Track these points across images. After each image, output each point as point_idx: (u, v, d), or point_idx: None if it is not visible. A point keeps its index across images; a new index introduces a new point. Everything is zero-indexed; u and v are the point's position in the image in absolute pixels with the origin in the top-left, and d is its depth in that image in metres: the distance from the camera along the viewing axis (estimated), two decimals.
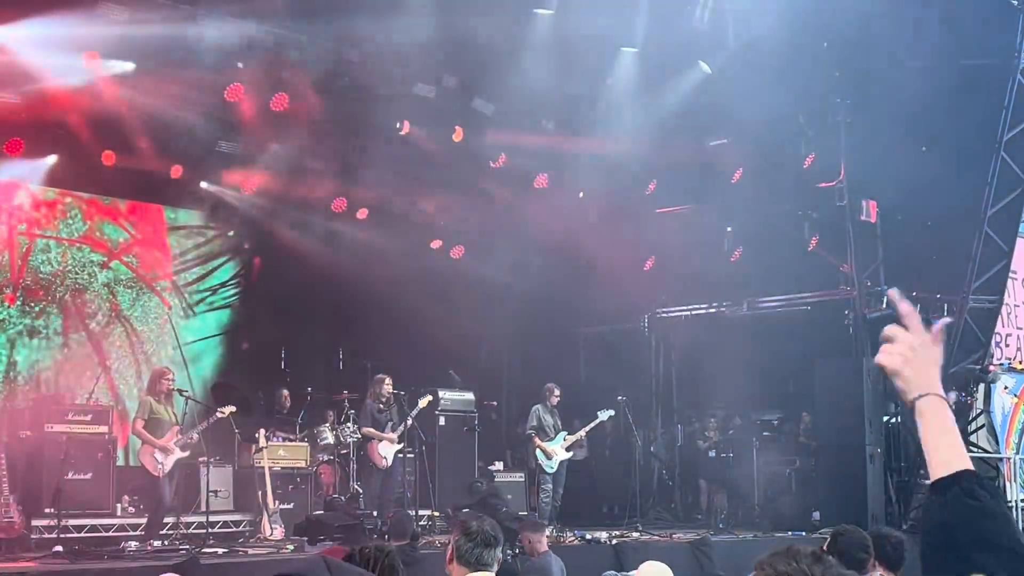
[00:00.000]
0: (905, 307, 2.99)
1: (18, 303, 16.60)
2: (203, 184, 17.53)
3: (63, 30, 13.51)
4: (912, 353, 2.96)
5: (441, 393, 17.33)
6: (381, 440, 15.45)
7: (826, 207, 19.18)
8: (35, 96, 14.66)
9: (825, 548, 6.87)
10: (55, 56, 13.86)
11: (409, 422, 15.50)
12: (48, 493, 13.29)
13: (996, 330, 19.06)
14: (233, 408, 14.52)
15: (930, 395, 2.88)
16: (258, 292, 19.00)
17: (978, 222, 17.82)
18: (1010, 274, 18.85)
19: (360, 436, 15.82)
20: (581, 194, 19.63)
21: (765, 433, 19.95)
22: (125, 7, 13.71)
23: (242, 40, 14.87)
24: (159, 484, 13.65)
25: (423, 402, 15.90)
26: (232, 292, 19.06)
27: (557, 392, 17.14)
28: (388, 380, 15.83)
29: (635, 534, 16.20)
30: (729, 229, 20.55)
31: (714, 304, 20.87)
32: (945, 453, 2.79)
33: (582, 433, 17.19)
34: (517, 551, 11.71)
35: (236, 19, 14.70)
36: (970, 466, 2.77)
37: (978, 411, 19.13)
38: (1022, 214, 18.52)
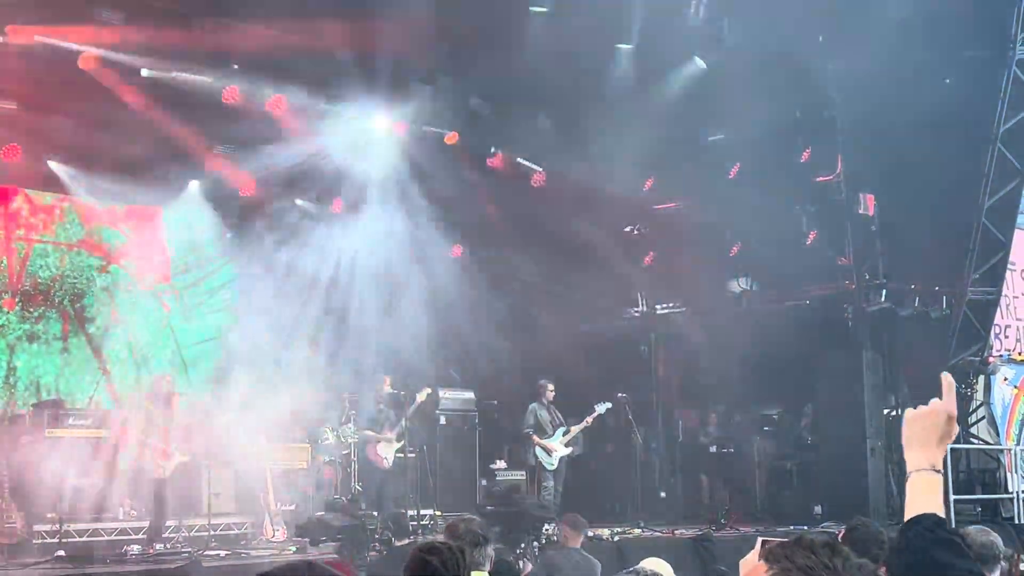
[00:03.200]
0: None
1: (17, 308, 16.61)
2: (199, 185, 17.52)
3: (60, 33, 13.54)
4: (909, 431, 3.37)
5: (442, 392, 17.33)
6: (380, 440, 15.46)
7: (824, 201, 19.18)
8: (33, 101, 14.69)
9: (840, 540, 6.85)
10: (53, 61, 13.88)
11: (405, 423, 15.51)
12: (49, 498, 13.29)
13: (995, 321, 19.08)
14: (235, 414, 14.53)
15: (916, 472, 3.25)
16: (257, 294, 18.96)
17: (976, 214, 17.83)
18: (1008, 265, 18.86)
19: (360, 437, 15.83)
20: (579, 191, 19.63)
21: (765, 428, 19.95)
22: (122, 11, 13.72)
23: (238, 42, 14.87)
24: (161, 486, 13.66)
25: (421, 396, 15.90)
26: (230, 294, 19.04)
27: (551, 388, 17.16)
28: (387, 379, 15.83)
29: (637, 530, 16.22)
30: (727, 225, 20.55)
31: (713, 299, 20.85)
32: (917, 509, 3.16)
33: (581, 428, 17.19)
34: (544, 541, 12.83)
35: (232, 21, 14.70)
36: (931, 500, 3.15)
37: (978, 403, 19.14)
38: (1019, 205, 18.54)
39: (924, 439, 3.32)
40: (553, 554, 11.72)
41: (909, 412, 3.34)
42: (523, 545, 13.49)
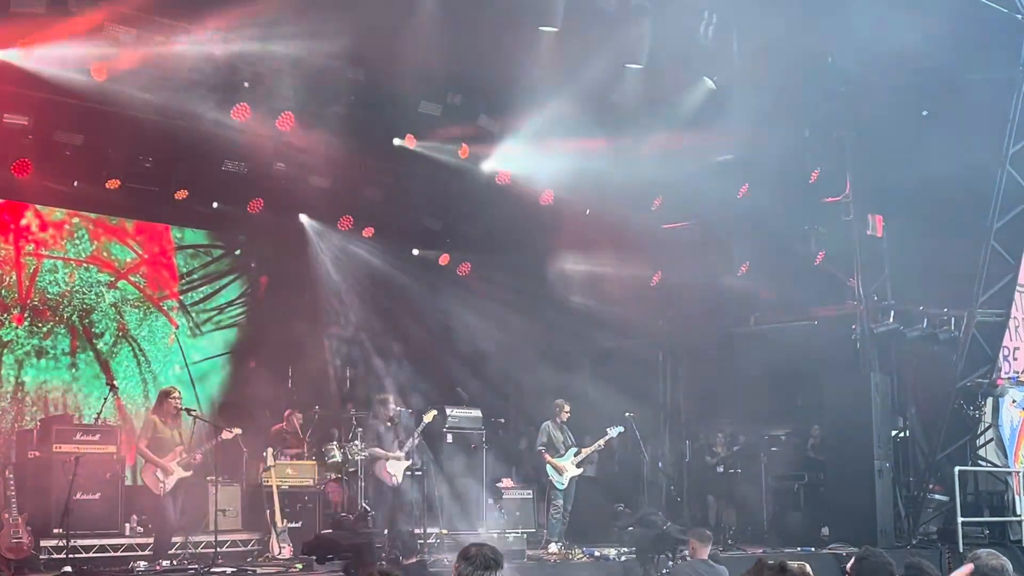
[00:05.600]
0: None
1: (26, 324, 16.65)
2: (209, 201, 17.57)
3: (70, 50, 13.57)
4: None
5: (448, 410, 17.30)
6: (388, 458, 15.43)
7: (832, 222, 19.18)
8: (43, 117, 14.73)
9: (849, 570, 6.82)
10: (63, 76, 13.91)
11: (416, 440, 15.48)
12: (57, 513, 13.28)
13: (1004, 344, 19.04)
14: (239, 430, 14.52)
15: None
16: (265, 311, 19.01)
17: (984, 236, 17.81)
18: (1017, 287, 18.83)
19: (368, 455, 15.81)
20: (588, 211, 19.65)
21: (773, 448, 19.90)
22: (131, 26, 13.76)
23: (248, 59, 14.91)
24: (161, 503, 13.65)
25: (428, 417, 15.87)
26: (239, 311, 19.07)
27: (567, 408, 17.10)
28: (391, 398, 15.84)
29: None
30: (735, 244, 20.54)
31: (720, 319, 20.83)
32: None
33: (592, 449, 17.16)
34: (679, 559, 13.32)
35: (242, 38, 14.74)
36: None
37: (986, 425, 19.10)
38: None
39: None
40: (679, 566, 12.55)
41: None
42: (657, 565, 13.90)
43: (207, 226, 18.62)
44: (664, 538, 14.32)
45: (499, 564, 5.64)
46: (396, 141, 17.33)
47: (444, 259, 20.20)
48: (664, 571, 13.74)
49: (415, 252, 20.16)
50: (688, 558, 12.74)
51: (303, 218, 18.65)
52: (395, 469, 15.40)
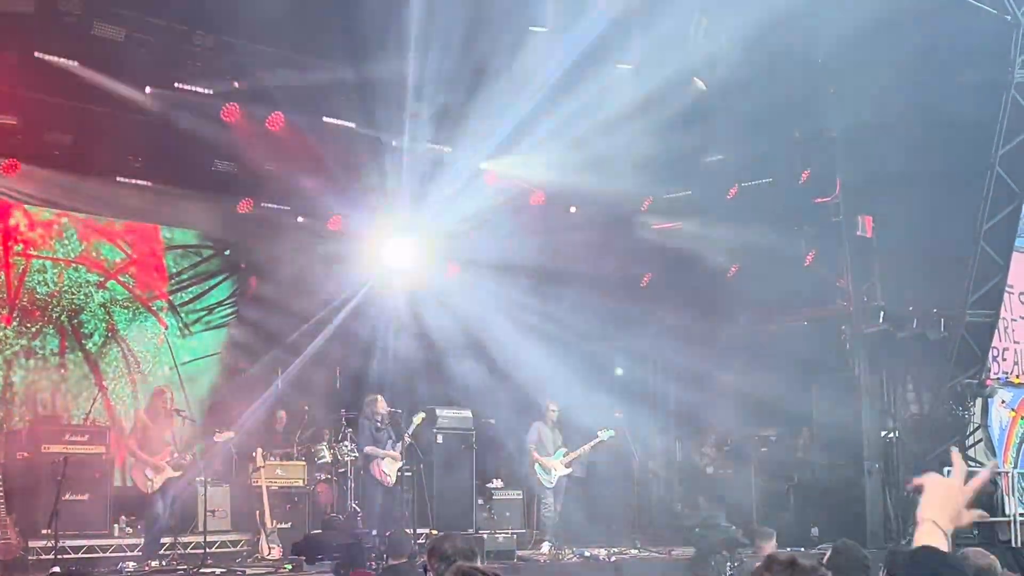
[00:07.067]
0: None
1: (15, 324, 16.59)
2: (198, 201, 17.54)
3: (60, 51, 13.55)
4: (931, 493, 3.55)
5: (439, 411, 17.29)
6: (384, 458, 15.41)
7: (822, 223, 19.19)
8: (32, 116, 14.69)
9: (824, 563, 6.83)
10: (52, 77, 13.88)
11: (407, 440, 15.46)
12: (45, 514, 13.23)
13: (993, 344, 19.06)
14: (231, 434, 14.50)
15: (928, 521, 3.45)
16: (255, 311, 18.96)
17: (974, 237, 17.83)
18: (1006, 288, 18.85)
19: (358, 455, 15.78)
20: (573, 209, 19.65)
21: (763, 449, 19.90)
22: (122, 27, 13.74)
23: (239, 59, 14.89)
24: (150, 502, 13.64)
25: (417, 419, 15.86)
26: (229, 311, 19.04)
27: (554, 408, 17.17)
28: (381, 399, 15.82)
29: (634, 551, 16.19)
30: (725, 245, 20.55)
31: (710, 320, 20.83)
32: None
33: (581, 451, 17.17)
34: (737, 564, 13.76)
35: (232, 38, 14.72)
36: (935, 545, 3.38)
37: (975, 425, 19.12)
38: (1017, 228, 18.54)
39: (941, 505, 3.49)
40: (748, 564, 13.09)
41: (934, 477, 3.57)
42: (715, 566, 14.15)
43: (197, 226, 18.57)
44: (729, 540, 14.50)
45: (475, 554, 5.61)
46: (394, 142, 17.32)
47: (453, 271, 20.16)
48: (729, 572, 13.94)
49: (398, 254, 20.09)
50: (744, 559, 13.41)
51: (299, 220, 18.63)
52: (390, 469, 15.41)
